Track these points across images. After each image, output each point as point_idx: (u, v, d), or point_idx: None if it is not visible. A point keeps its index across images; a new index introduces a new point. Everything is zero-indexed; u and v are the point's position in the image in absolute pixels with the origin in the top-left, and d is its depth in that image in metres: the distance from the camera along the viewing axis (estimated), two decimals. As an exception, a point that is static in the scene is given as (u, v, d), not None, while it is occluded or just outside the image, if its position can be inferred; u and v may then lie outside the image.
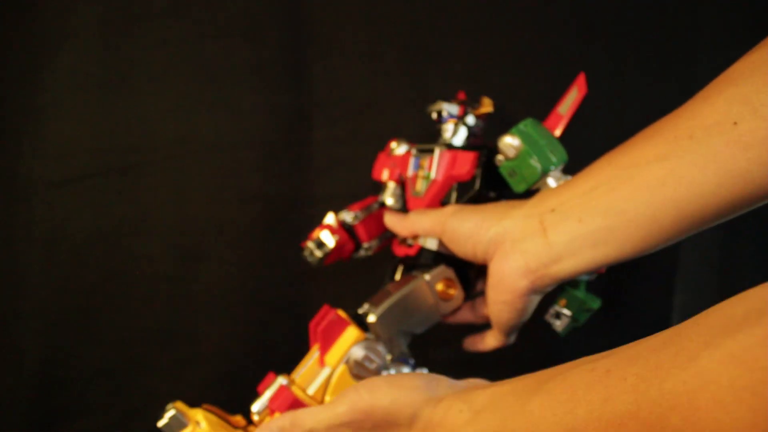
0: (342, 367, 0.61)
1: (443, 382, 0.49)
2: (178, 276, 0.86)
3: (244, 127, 0.85)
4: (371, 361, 0.60)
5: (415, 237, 0.64)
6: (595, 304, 0.60)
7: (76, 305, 0.86)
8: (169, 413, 0.58)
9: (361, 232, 0.69)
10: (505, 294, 0.56)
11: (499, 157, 0.60)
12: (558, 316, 0.60)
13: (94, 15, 0.82)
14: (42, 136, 0.84)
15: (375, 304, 0.63)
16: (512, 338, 0.63)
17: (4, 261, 0.85)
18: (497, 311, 0.58)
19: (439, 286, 0.63)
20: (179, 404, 0.59)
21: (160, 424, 0.57)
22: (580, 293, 0.60)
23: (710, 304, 0.34)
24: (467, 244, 0.58)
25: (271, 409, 0.59)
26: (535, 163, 0.58)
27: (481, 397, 0.45)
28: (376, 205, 0.70)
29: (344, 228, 0.69)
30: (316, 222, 0.86)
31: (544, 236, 0.53)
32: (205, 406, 0.61)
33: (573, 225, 0.52)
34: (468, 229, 0.58)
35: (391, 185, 0.69)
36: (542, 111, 0.86)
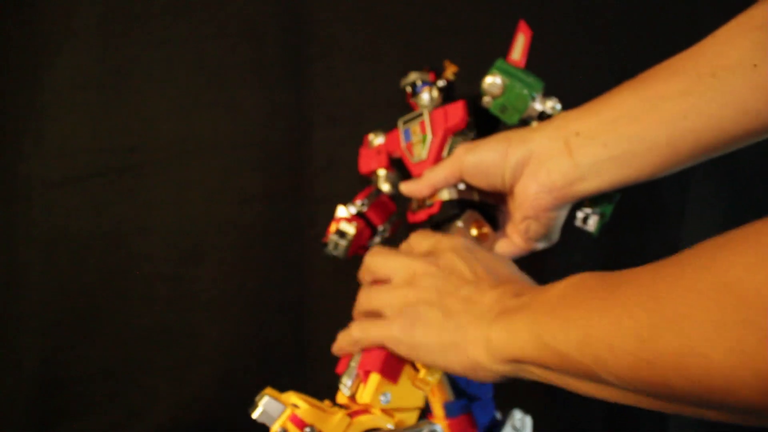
0: None
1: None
2: (178, 276, 0.86)
3: (244, 127, 0.85)
4: None
5: (433, 195, 0.65)
6: (616, 194, 0.62)
7: (76, 305, 0.86)
8: (263, 401, 0.52)
9: (374, 216, 0.70)
10: (531, 210, 0.59)
11: (486, 99, 0.64)
12: (586, 218, 0.63)
13: (95, 15, 0.82)
14: (42, 136, 0.84)
15: None
16: (540, 246, 0.64)
17: (4, 261, 0.86)
18: (524, 228, 0.61)
19: (473, 230, 0.64)
20: (269, 390, 0.54)
21: (255, 415, 0.52)
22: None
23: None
24: (493, 172, 0.60)
25: (364, 371, 0.57)
26: (524, 91, 0.62)
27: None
28: (375, 193, 0.71)
29: (357, 216, 0.70)
30: (316, 222, 0.86)
31: (570, 157, 0.56)
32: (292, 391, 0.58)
33: (598, 149, 0.55)
34: (491, 158, 0.60)
35: (382, 172, 0.70)
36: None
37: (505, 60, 0.65)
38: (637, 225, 0.88)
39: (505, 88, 0.63)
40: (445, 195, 0.65)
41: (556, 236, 0.62)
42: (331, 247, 0.68)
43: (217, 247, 0.86)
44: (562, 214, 0.61)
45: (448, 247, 0.56)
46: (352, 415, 0.53)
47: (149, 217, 0.86)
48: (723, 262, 0.34)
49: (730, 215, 0.88)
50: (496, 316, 0.49)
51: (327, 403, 0.57)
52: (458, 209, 0.66)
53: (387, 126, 0.73)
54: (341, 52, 0.85)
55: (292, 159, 0.85)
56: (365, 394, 0.55)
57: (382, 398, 0.54)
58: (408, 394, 0.55)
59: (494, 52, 0.86)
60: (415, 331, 0.52)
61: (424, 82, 0.67)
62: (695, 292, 0.34)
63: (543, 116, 0.64)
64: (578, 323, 0.41)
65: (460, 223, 0.64)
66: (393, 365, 0.55)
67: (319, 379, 0.90)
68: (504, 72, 0.63)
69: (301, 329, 0.89)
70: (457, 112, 0.64)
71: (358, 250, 0.70)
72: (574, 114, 0.58)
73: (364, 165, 0.72)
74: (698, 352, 0.33)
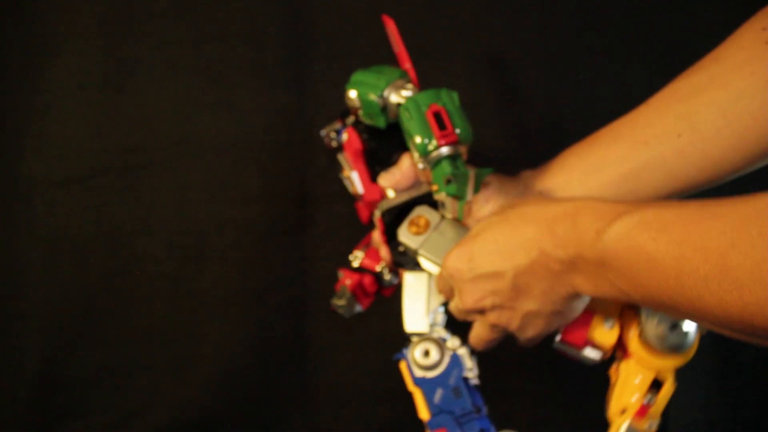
0: None
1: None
2: (179, 276, 0.86)
3: (245, 128, 0.85)
4: None
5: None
6: (486, 171, 0.64)
7: (77, 305, 0.86)
8: None
9: (368, 264, 0.70)
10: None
11: (359, 113, 0.64)
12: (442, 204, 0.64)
13: (95, 15, 0.82)
14: (43, 137, 0.84)
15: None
16: None
17: (6, 261, 0.86)
18: None
19: (412, 229, 0.64)
20: None
21: None
22: None
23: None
24: None
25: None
26: (372, 97, 0.62)
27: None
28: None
29: (356, 271, 0.70)
30: (316, 222, 0.87)
31: None
32: None
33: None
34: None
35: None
36: (543, 110, 0.87)
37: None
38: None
39: (361, 101, 0.63)
40: (377, 213, 0.65)
41: None
42: (340, 311, 0.70)
43: (218, 247, 0.86)
44: None
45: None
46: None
47: (150, 217, 0.86)
48: None
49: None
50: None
51: None
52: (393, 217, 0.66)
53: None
54: (342, 52, 0.85)
55: (292, 159, 0.85)
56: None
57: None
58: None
59: (494, 53, 0.86)
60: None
61: (339, 130, 0.67)
62: None
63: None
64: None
65: (401, 236, 0.64)
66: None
67: (319, 379, 0.90)
68: (354, 84, 0.64)
69: (302, 329, 0.89)
70: (350, 139, 0.66)
71: (372, 297, 0.71)
72: (534, 174, 0.66)
73: (362, 217, 0.72)
74: None
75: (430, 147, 0.59)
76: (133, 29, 0.83)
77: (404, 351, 0.66)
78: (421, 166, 0.60)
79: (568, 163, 0.64)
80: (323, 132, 0.68)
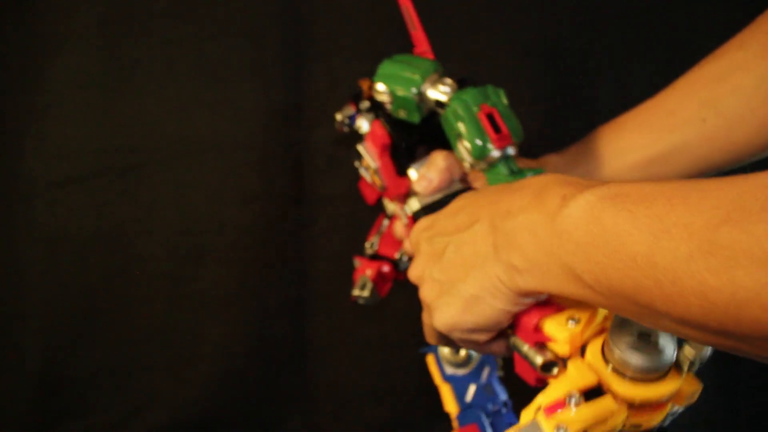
0: None
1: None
2: (179, 276, 0.86)
3: (244, 127, 0.85)
4: None
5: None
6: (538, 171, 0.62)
7: (77, 305, 0.86)
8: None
9: (388, 250, 0.70)
10: None
11: (387, 106, 0.63)
12: None
13: (95, 15, 0.82)
14: (43, 136, 0.84)
15: None
16: None
17: (6, 261, 0.86)
18: None
19: None
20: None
21: None
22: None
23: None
24: None
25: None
26: (405, 93, 0.61)
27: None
28: (386, 222, 0.71)
29: (372, 259, 0.69)
30: (316, 222, 0.86)
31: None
32: None
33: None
34: None
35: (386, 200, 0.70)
36: (543, 110, 0.86)
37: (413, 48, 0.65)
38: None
39: (392, 94, 0.61)
40: (413, 206, 0.64)
41: None
42: (360, 302, 0.68)
43: (218, 247, 0.86)
44: None
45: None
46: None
47: (150, 216, 0.86)
48: None
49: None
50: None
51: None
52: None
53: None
54: (341, 51, 0.85)
55: (292, 159, 0.85)
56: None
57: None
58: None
59: (494, 50, 0.86)
60: None
61: (352, 116, 0.66)
62: None
63: (441, 104, 0.60)
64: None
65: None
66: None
67: (319, 379, 0.90)
68: (384, 78, 0.62)
69: (301, 329, 0.89)
70: (376, 133, 0.64)
71: (390, 285, 0.70)
72: (559, 158, 0.67)
73: (368, 197, 0.72)
74: None
75: (487, 151, 0.56)
76: (133, 29, 0.83)
77: (431, 346, 0.66)
78: (468, 166, 0.58)
79: (595, 147, 0.65)
80: (339, 116, 0.66)
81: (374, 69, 0.84)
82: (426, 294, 0.49)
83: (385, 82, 0.62)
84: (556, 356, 0.45)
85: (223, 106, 0.85)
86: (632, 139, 0.64)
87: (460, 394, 0.64)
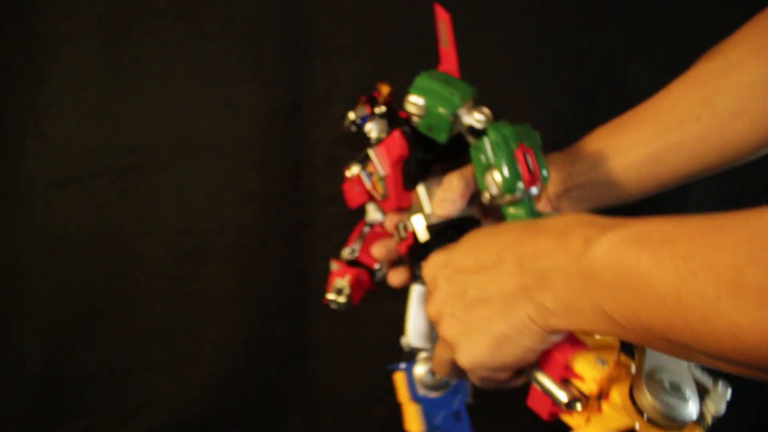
0: None
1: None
2: (178, 276, 0.86)
3: (245, 127, 0.85)
4: None
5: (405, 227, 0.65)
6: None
7: (77, 305, 0.86)
8: None
9: (366, 259, 0.69)
10: None
11: (414, 119, 0.62)
12: None
13: (95, 15, 0.82)
14: (43, 137, 0.84)
15: None
16: None
17: (6, 261, 0.86)
18: None
19: None
20: None
21: None
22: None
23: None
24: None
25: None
26: (443, 112, 0.60)
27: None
28: (367, 229, 0.70)
29: (351, 265, 0.69)
30: (316, 222, 0.86)
31: (564, 187, 0.67)
32: None
33: (586, 180, 0.66)
34: None
35: (371, 206, 0.70)
36: (543, 110, 0.86)
37: (439, 64, 0.64)
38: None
39: (426, 109, 0.61)
40: (419, 223, 0.64)
41: None
42: (333, 306, 0.66)
43: (218, 247, 0.86)
44: None
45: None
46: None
47: (150, 216, 0.86)
48: None
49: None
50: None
51: None
52: (449, 235, 0.65)
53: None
54: (341, 51, 0.85)
55: (292, 159, 0.85)
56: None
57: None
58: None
59: (494, 50, 0.86)
60: None
61: (364, 117, 0.66)
62: None
63: (473, 130, 0.61)
64: None
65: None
66: None
67: (319, 379, 0.90)
68: (423, 91, 0.61)
69: (302, 329, 0.89)
70: (395, 143, 0.63)
71: (363, 293, 0.68)
72: (561, 157, 0.67)
73: (352, 200, 0.71)
74: None
75: (518, 187, 0.57)
76: (133, 29, 0.83)
77: (402, 364, 0.66)
78: (488, 197, 0.58)
79: (594, 146, 0.66)
80: (352, 116, 0.66)
81: (374, 69, 0.85)
82: (447, 331, 0.49)
83: (423, 96, 0.61)
84: (580, 393, 0.46)
85: (223, 106, 0.85)
86: (629, 138, 0.65)
87: (430, 416, 0.64)
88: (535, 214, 0.58)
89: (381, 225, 0.70)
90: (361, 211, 0.71)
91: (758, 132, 0.61)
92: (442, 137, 0.61)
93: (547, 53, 0.86)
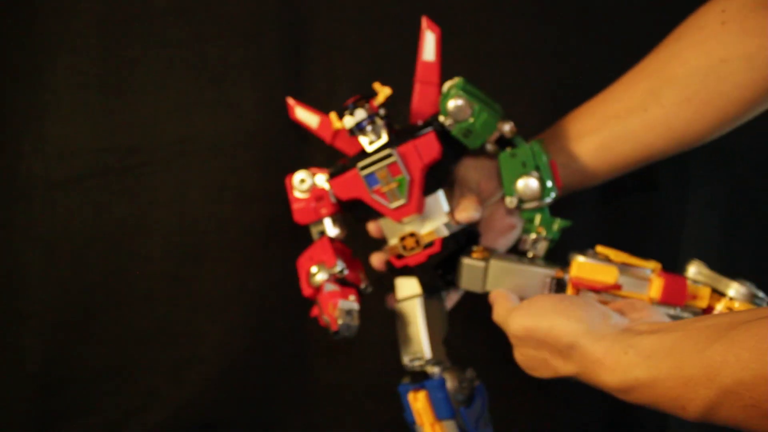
0: None
1: (607, 319, 0.54)
2: (178, 276, 0.86)
3: (244, 127, 0.85)
4: None
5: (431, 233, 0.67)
6: (568, 222, 0.68)
7: (77, 305, 0.86)
8: None
9: (353, 277, 0.68)
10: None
11: (448, 122, 0.63)
12: (535, 242, 0.69)
13: (94, 15, 0.82)
14: (42, 136, 0.84)
15: None
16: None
17: (5, 261, 0.86)
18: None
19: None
20: None
21: None
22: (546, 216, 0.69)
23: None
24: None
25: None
26: (493, 120, 0.64)
27: (648, 341, 0.49)
28: (328, 241, 0.70)
29: (341, 283, 0.68)
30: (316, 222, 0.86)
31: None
32: None
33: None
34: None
35: (328, 220, 0.69)
36: (543, 110, 0.86)
37: (414, 73, 0.66)
38: (636, 228, 0.88)
39: (474, 112, 0.62)
40: (444, 231, 0.64)
41: None
42: (343, 331, 0.63)
43: (217, 247, 0.86)
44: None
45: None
46: None
47: (150, 217, 0.86)
48: None
49: (729, 217, 0.88)
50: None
51: None
52: (461, 244, 0.65)
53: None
54: (341, 52, 0.85)
55: (292, 159, 0.85)
56: None
57: None
58: None
59: (494, 50, 0.86)
60: None
61: (369, 116, 0.64)
62: None
63: (501, 140, 0.64)
64: None
65: (467, 260, 0.64)
66: None
67: (319, 379, 0.90)
68: (469, 95, 0.62)
69: (301, 329, 0.89)
70: (430, 145, 0.62)
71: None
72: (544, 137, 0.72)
73: (304, 215, 0.69)
74: None
75: (554, 193, 0.65)
76: (133, 29, 0.83)
77: (409, 385, 0.65)
78: (515, 202, 0.66)
79: (555, 133, 0.71)
80: (362, 113, 0.65)
81: (374, 69, 0.85)
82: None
83: (474, 101, 0.62)
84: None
85: (222, 106, 0.85)
86: (584, 125, 0.69)
87: (469, 428, 0.64)
88: (549, 220, 0.67)
89: (339, 240, 0.69)
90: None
91: (703, 120, 0.65)
92: (476, 143, 0.64)
93: (547, 53, 0.86)
